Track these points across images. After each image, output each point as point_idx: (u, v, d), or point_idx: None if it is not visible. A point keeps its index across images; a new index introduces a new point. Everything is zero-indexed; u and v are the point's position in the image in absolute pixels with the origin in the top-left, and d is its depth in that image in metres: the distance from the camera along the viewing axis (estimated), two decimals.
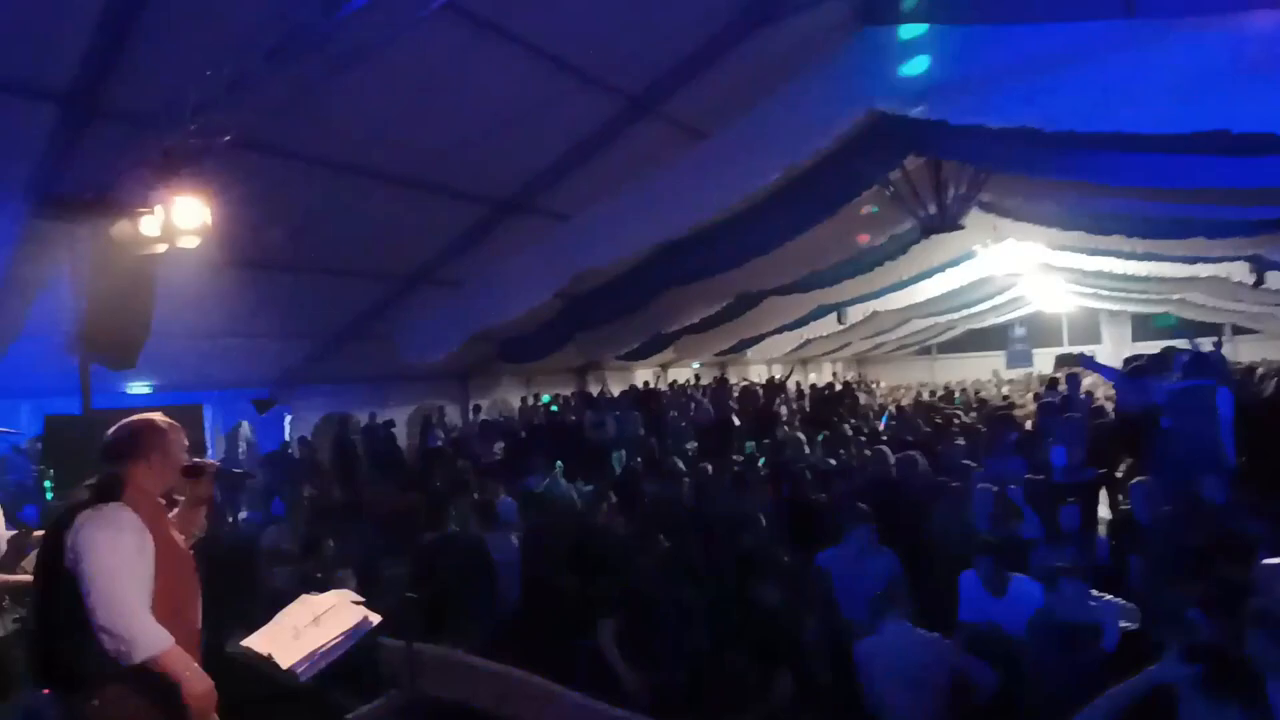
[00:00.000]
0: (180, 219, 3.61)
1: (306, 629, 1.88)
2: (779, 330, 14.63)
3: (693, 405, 10.09)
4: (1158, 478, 4.53)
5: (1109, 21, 4.27)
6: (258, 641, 1.86)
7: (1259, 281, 10.50)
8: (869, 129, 6.07)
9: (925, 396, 15.10)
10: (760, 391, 11.14)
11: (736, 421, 9.45)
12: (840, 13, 5.31)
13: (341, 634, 1.88)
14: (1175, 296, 14.82)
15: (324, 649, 1.83)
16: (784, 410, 10.73)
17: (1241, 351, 16.46)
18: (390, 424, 9.27)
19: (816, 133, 5.75)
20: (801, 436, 7.40)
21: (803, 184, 6.87)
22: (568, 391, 11.76)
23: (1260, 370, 10.94)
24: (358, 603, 2.02)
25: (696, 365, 16.42)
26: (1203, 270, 11.25)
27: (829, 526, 4.25)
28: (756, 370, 18.47)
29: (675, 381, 13.01)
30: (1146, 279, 12.57)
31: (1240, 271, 10.70)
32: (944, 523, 4.25)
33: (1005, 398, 13.24)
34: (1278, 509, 3.83)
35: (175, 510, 2.19)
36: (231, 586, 3.23)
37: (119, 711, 1.79)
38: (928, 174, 7.67)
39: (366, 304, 7.24)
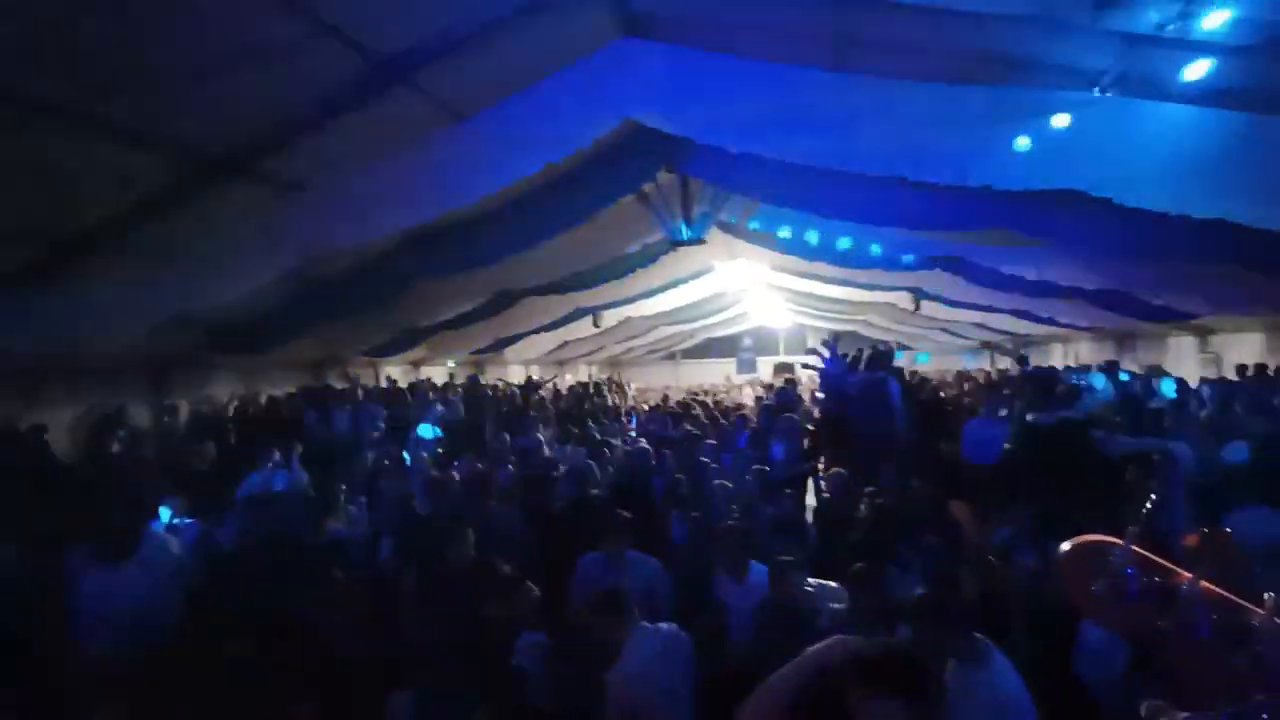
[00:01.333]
0: None
1: None
2: (537, 331, 14.62)
3: (440, 405, 9.54)
4: (848, 466, 5.35)
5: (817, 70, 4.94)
6: None
7: (917, 308, 13.23)
8: (627, 138, 6.27)
9: (671, 398, 16.24)
10: (516, 392, 10.96)
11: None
12: (603, 18, 5.37)
13: None
14: (860, 317, 18.06)
15: None
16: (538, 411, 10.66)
17: (905, 364, 20.64)
18: (41, 430, 7.17)
19: (575, 133, 5.75)
20: (541, 438, 7.36)
21: (563, 185, 6.88)
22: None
23: (918, 378, 13.69)
24: None
25: (452, 364, 15.71)
26: (879, 297, 13.82)
27: (582, 532, 4.21)
28: (515, 371, 18.26)
29: (427, 379, 12.21)
30: (841, 301, 15.08)
31: (904, 299, 13.36)
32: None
33: (737, 404, 14.87)
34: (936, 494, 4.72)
35: None
36: None
37: None
38: (677, 189, 8.20)
39: (9, 273, 5.47)
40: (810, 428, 7.52)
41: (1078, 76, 4.26)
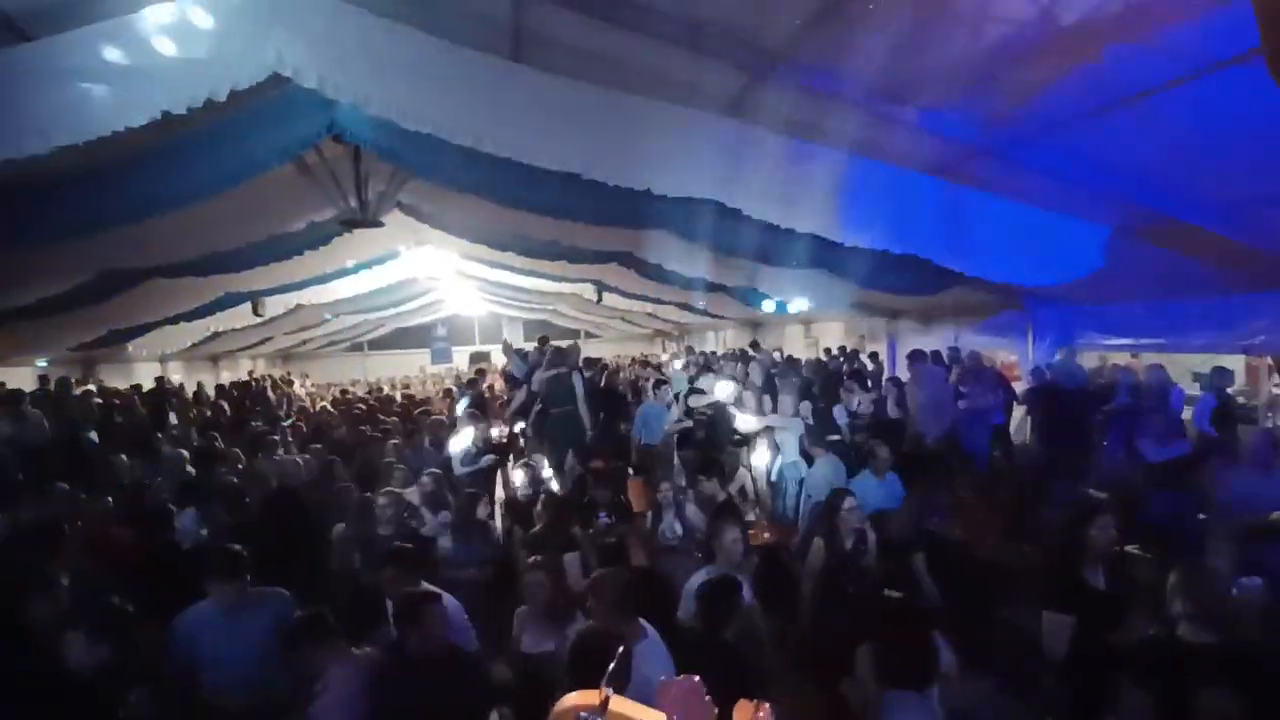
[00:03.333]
0: None
1: None
2: (174, 320, 11.95)
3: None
4: (546, 454, 5.47)
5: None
6: None
7: (600, 299, 14.19)
8: (279, 97, 5.39)
9: (352, 393, 14.84)
10: (135, 399, 8.82)
11: (94, 437, 7.17)
12: None
13: None
14: (550, 307, 18.77)
15: None
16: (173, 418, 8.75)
17: (590, 351, 22.07)
18: None
19: (206, 80, 4.72)
20: (185, 453, 6.08)
21: (195, 142, 5.63)
22: None
23: (603, 363, 14.71)
24: None
25: (44, 363, 12.05)
26: (566, 288, 14.49)
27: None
28: (147, 369, 14.78)
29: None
30: (531, 291, 15.44)
31: (589, 291, 14.22)
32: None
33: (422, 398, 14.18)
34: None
35: None
36: None
37: None
38: (349, 162, 7.36)
39: None
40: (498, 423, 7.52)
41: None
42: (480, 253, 11.58)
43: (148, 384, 12.50)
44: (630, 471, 6.43)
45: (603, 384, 9.31)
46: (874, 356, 11.15)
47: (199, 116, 5.10)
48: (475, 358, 23.03)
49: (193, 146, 5.63)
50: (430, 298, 19.00)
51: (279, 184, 7.02)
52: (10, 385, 10.21)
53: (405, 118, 4.99)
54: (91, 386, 10.26)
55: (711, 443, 6.87)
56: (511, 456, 6.98)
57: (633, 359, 18.19)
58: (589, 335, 24.69)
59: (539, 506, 4.58)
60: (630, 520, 4.85)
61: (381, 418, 9.09)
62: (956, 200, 5.42)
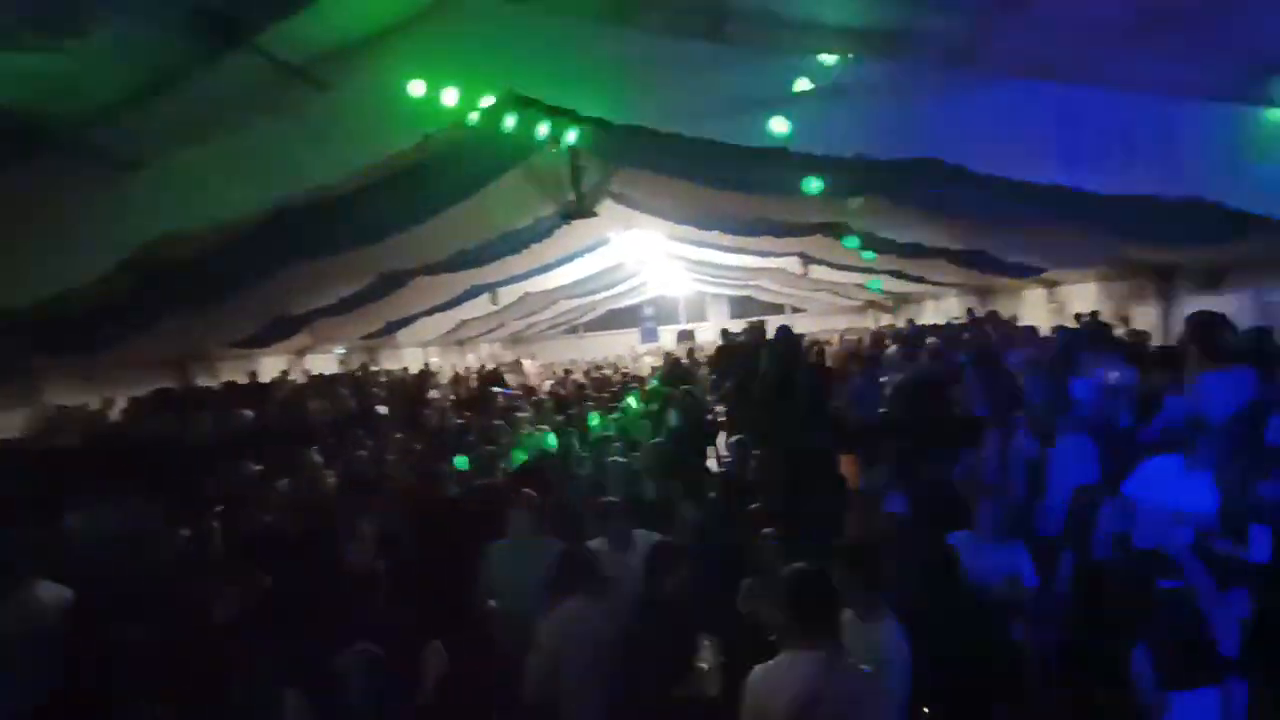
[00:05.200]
0: None
1: None
2: (431, 311, 14.01)
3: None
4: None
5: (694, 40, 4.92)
6: None
7: (805, 272, 13.77)
8: (509, 109, 6.01)
9: (574, 374, 16.13)
10: (411, 380, 10.49)
11: (383, 411, 8.70)
12: None
13: None
14: (754, 283, 18.63)
15: None
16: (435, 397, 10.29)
17: (797, 325, 21.51)
18: None
19: (453, 104, 5.43)
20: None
21: (445, 158, 6.53)
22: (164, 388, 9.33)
23: (806, 340, 14.31)
24: None
25: (340, 351, 14.83)
26: (771, 263, 14.27)
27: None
28: (411, 355, 17.50)
29: (285, 374, 11.43)
30: (736, 268, 15.46)
31: (794, 264, 13.86)
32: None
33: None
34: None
35: None
36: None
37: None
38: (566, 160, 7.99)
39: None
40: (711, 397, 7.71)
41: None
42: (686, 233, 11.88)
43: (413, 367, 14.87)
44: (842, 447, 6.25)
45: (808, 360, 9.08)
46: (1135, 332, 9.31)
47: (447, 134, 5.92)
48: (682, 336, 23.73)
49: (443, 161, 6.52)
50: (638, 280, 19.94)
51: (509, 186, 7.83)
52: (316, 370, 12.83)
53: (616, 114, 5.30)
54: (385, 367, 12.47)
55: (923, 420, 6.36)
56: (723, 433, 7.16)
57: (844, 334, 17.35)
58: (794, 310, 24.10)
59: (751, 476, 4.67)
60: (844, 497, 4.72)
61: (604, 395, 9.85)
62: (1249, 126, 4.35)
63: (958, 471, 4.65)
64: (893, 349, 8.83)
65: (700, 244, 13.01)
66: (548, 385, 13.46)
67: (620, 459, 4.61)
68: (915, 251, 9.75)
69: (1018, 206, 5.71)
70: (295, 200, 5.99)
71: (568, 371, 15.31)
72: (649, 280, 20.64)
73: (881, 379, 7.08)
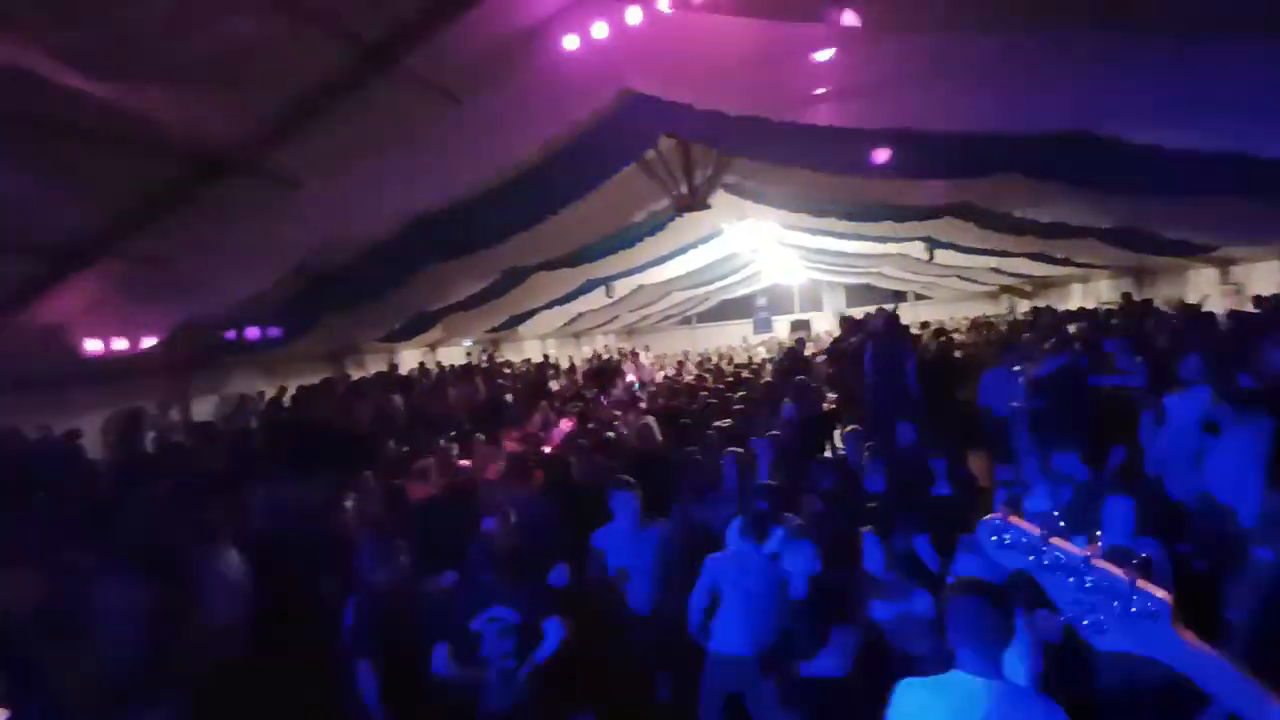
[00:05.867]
0: None
1: None
2: (550, 305, 14.64)
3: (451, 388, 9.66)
4: (864, 425, 5.39)
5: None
6: None
7: (931, 257, 13.02)
8: (625, 107, 6.19)
9: (688, 365, 16.26)
10: (534, 371, 11.07)
11: (509, 399, 9.27)
12: None
13: None
14: (874, 270, 17.84)
15: None
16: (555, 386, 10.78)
17: (921, 313, 20.37)
18: (75, 434, 7.44)
19: (573, 106, 5.69)
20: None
21: (564, 159, 6.82)
22: (319, 380, 10.50)
23: (933, 329, 13.56)
24: None
25: (468, 343, 15.84)
26: (892, 248, 13.62)
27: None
28: (531, 346, 18.38)
29: (423, 365, 12.35)
30: (854, 255, 14.89)
31: (917, 249, 13.15)
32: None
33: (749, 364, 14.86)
34: (951, 447, 4.73)
35: None
36: None
37: None
38: (679, 155, 8.10)
39: (15, 285, 5.61)
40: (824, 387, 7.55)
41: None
42: (801, 221, 11.63)
43: (533, 358, 15.64)
44: (969, 443, 5.91)
45: (935, 353, 8.64)
46: None
47: (568, 136, 6.20)
48: (795, 326, 23.19)
49: (564, 160, 6.82)
50: (751, 270, 19.70)
51: (624, 182, 8.03)
52: (447, 361, 13.81)
53: (729, 105, 5.31)
54: (510, 358, 13.27)
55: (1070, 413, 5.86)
56: (840, 423, 7.00)
57: (975, 321, 16.24)
58: (917, 297, 22.84)
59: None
60: (972, 494, 4.50)
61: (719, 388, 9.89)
62: None
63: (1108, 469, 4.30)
64: (1030, 337, 8.20)
65: (815, 231, 12.66)
66: (661, 377, 13.68)
67: (737, 449, 4.66)
68: (1058, 231, 8.97)
69: (1182, 177, 5.14)
70: (433, 209, 6.51)
71: (680, 364, 15.44)
72: (762, 270, 20.34)
73: (1016, 369, 6.61)
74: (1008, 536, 0.99)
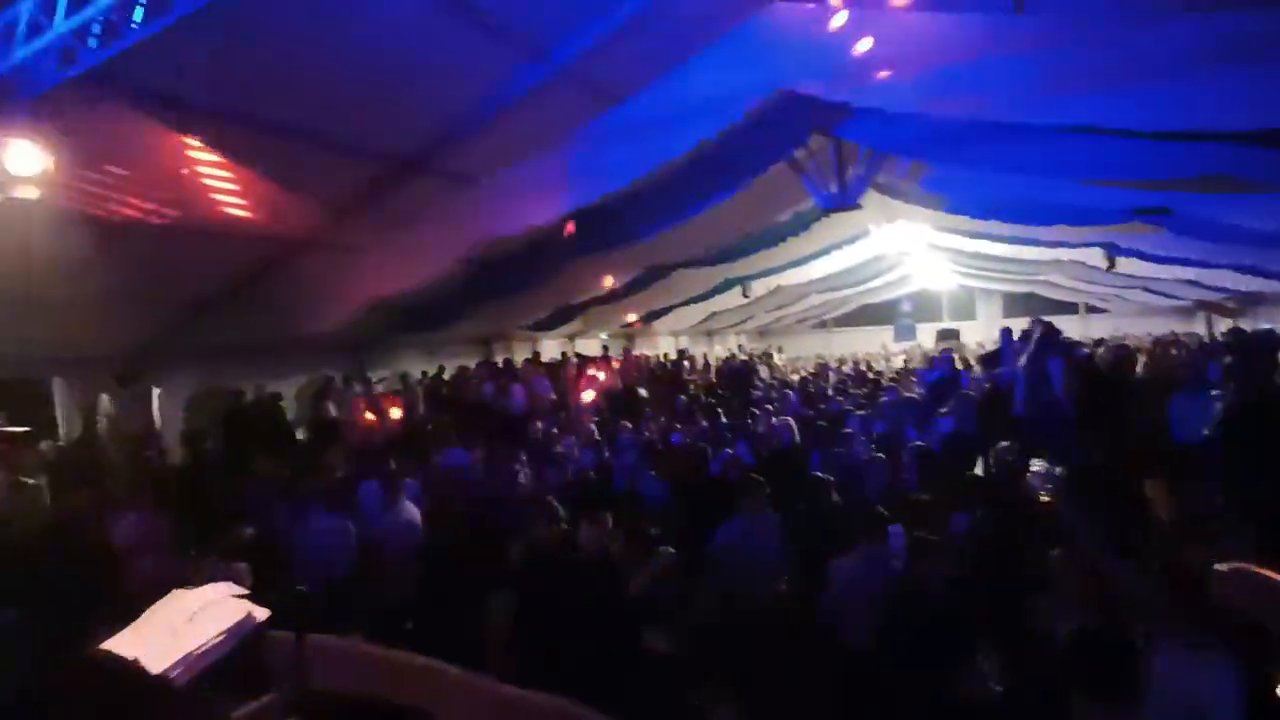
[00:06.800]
0: (15, 165, 3.13)
1: (181, 628, 1.70)
2: (686, 302, 14.83)
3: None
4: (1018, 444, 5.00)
5: (999, 16, 4.52)
6: (123, 644, 1.64)
7: (1111, 265, 11.70)
8: (776, 106, 6.16)
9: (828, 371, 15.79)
10: (669, 364, 11.30)
11: (644, 393, 9.53)
12: None
13: (222, 632, 1.71)
14: (1040, 277, 16.29)
15: (201, 650, 1.65)
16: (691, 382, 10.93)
17: (1094, 328, 18.34)
18: (277, 396, 8.67)
19: (726, 106, 5.76)
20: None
21: (713, 157, 6.90)
22: (472, 362, 11.41)
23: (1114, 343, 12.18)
24: (240, 596, 1.84)
25: (605, 336, 16.42)
26: (1064, 254, 12.39)
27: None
28: (665, 342, 18.70)
29: (564, 354, 12.94)
30: (1017, 261, 13.70)
31: (1095, 256, 11.86)
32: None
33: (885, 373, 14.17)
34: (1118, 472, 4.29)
35: None
36: (89, 580, 2.89)
37: None
38: (829, 153, 7.90)
39: (244, 267, 6.63)
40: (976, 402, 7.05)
41: None
42: (957, 223, 10.92)
43: (666, 352, 15.88)
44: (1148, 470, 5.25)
45: (1110, 366, 7.75)
46: None
47: (720, 135, 6.28)
48: (942, 335, 21.73)
49: (712, 161, 6.91)
50: (897, 273, 18.73)
51: (770, 181, 7.98)
52: (585, 352, 14.40)
53: (892, 102, 5.14)
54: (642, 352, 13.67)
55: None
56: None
57: (1158, 340, 14.42)
58: (1090, 310, 20.60)
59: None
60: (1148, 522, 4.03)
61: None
62: None
63: None
64: (1230, 360, 7.16)
65: (973, 234, 11.81)
66: (795, 378, 13.42)
67: (880, 455, 4.52)
68: (1274, 240, 7.75)
69: None
70: (587, 205, 6.86)
71: (821, 367, 15.04)
72: (909, 274, 19.26)
73: (1214, 394, 5.83)
74: None
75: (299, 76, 4.56)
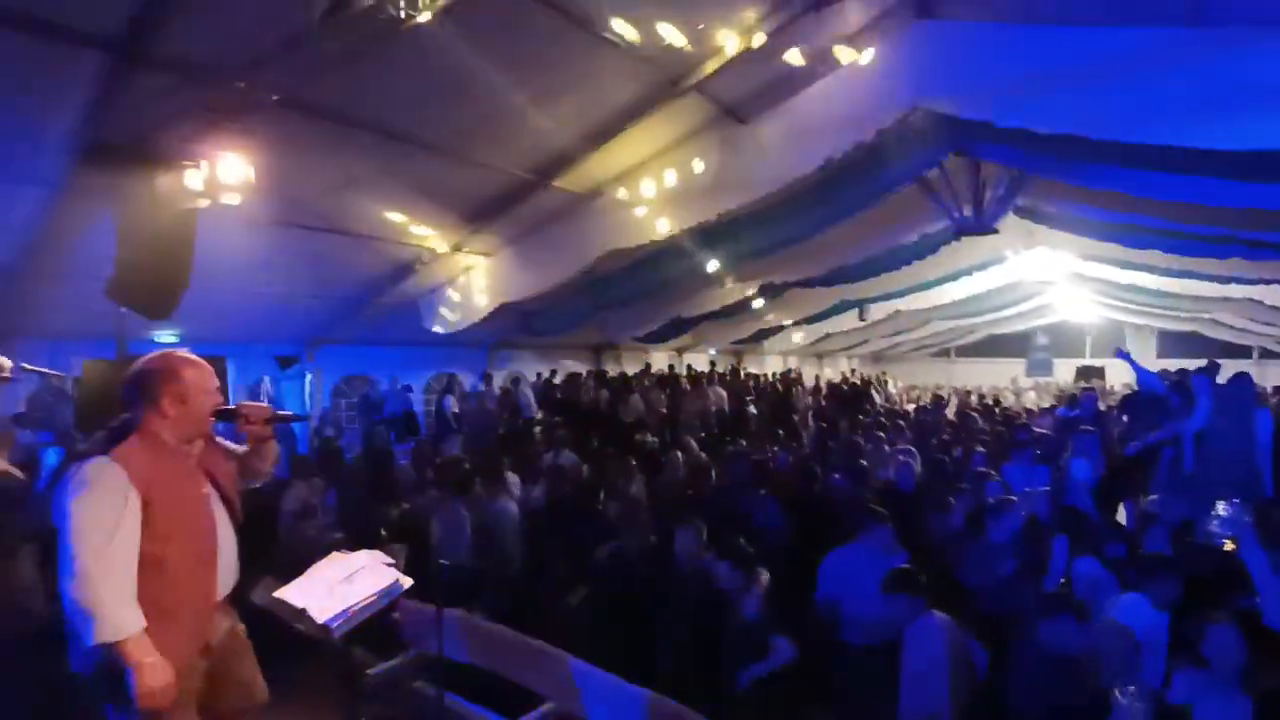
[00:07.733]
0: (224, 175, 3.65)
1: (339, 585, 1.91)
2: (799, 323, 14.56)
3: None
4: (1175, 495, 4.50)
5: (1169, 29, 4.15)
6: (292, 594, 1.88)
7: None
8: (911, 125, 5.96)
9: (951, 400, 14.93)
10: (778, 384, 11.13)
11: (753, 411, 9.45)
12: (894, 5, 5.21)
13: (374, 593, 1.91)
14: (1206, 315, 14.55)
15: (357, 606, 1.85)
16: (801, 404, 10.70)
17: (1269, 376, 16.14)
18: (408, 389, 9.41)
19: (857, 126, 5.66)
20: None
21: (837, 177, 6.77)
22: (583, 368, 11.81)
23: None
24: (388, 564, 2.05)
25: (713, 352, 16.41)
26: (1236, 290, 11.01)
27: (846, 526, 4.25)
28: (772, 361, 18.40)
29: (672, 367, 13.04)
30: (1178, 295, 12.31)
31: (1274, 295, 10.46)
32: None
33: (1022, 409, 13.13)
34: None
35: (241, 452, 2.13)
36: (251, 541, 3.31)
37: None
38: (966, 174, 7.53)
39: (394, 269, 7.31)
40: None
41: None
42: (1107, 252, 10.02)
43: (774, 371, 15.63)
44: None
45: None
46: None
47: (848, 154, 6.16)
48: (1083, 372, 19.88)
49: (841, 180, 6.77)
50: (1035, 303, 17.33)
51: (900, 201, 7.71)
52: (695, 367, 14.46)
53: (1039, 122, 4.83)
54: (751, 371, 13.59)
55: None
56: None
57: None
58: (1265, 354, 18.17)
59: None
60: None
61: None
62: None
63: None
64: None
65: (1126, 265, 10.76)
66: (911, 408, 12.77)
67: (1011, 497, 4.23)
68: None
69: None
70: (709, 223, 6.94)
71: (937, 396, 14.22)
72: (1049, 303, 17.77)
73: None
74: None
75: (457, 99, 4.99)
